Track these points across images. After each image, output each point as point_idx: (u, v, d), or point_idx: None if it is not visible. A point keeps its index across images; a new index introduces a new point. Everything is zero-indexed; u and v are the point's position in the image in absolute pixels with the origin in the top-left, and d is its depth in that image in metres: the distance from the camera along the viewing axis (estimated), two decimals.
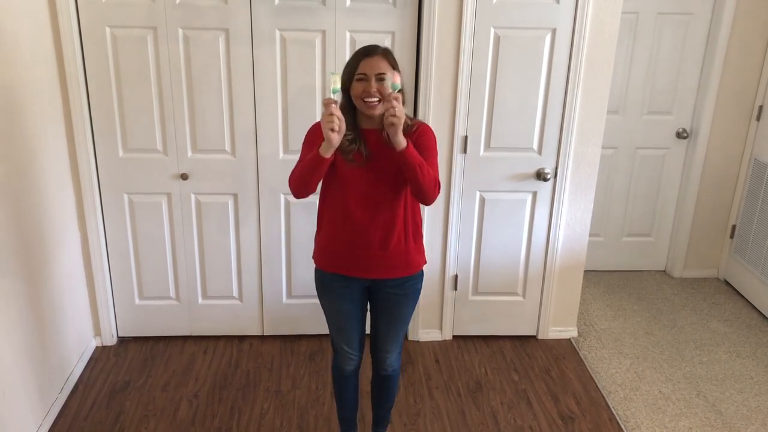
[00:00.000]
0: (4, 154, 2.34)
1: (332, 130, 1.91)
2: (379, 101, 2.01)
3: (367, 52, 2.02)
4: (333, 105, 1.91)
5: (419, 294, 2.29)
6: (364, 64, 2.00)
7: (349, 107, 2.09)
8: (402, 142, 1.96)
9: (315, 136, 2.12)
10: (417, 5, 2.82)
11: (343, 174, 2.09)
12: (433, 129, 2.19)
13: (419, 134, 2.11)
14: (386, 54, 2.04)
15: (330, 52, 2.85)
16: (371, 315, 2.33)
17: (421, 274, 2.27)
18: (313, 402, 2.86)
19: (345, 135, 2.07)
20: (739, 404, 2.91)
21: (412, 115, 2.91)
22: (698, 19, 3.62)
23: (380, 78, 2.00)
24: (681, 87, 3.76)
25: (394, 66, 2.05)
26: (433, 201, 2.11)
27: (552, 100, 2.96)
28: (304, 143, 2.15)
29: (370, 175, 2.08)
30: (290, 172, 2.12)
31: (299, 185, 2.07)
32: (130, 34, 2.78)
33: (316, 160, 1.99)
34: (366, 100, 2.00)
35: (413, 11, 2.83)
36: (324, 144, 1.95)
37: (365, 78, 2.00)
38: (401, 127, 1.93)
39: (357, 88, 2.02)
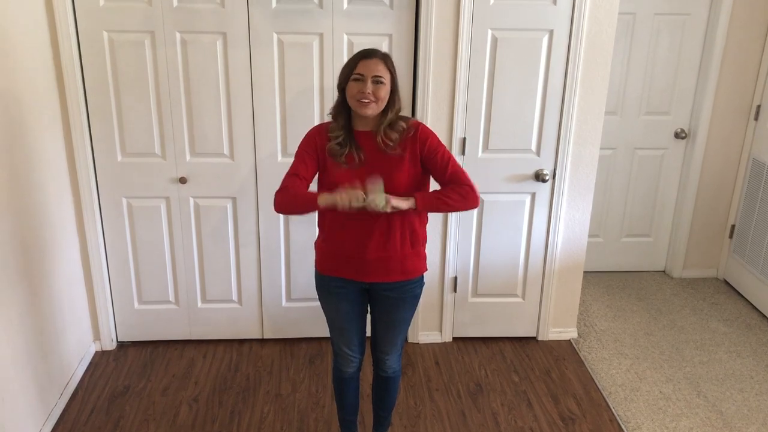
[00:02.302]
0: (3, 160, 2.34)
1: (345, 203, 1.91)
2: (373, 102, 2.02)
3: (366, 55, 2.05)
4: (360, 196, 1.91)
5: (418, 299, 2.29)
6: (362, 65, 2.03)
7: (343, 108, 2.11)
8: (410, 205, 2.01)
9: (309, 144, 2.13)
10: (414, 7, 2.82)
11: (337, 177, 2.08)
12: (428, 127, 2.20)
13: (421, 140, 2.11)
14: (385, 58, 2.06)
15: (327, 55, 2.85)
16: (371, 317, 2.33)
17: (421, 279, 2.27)
18: (313, 405, 2.85)
19: (335, 137, 2.08)
20: (740, 404, 2.91)
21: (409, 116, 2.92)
22: (695, 20, 3.63)
23: (376, 80, 2.02)
24: (679, 87, 3.76)
25: (392, 70, 2.07)
26: (479, 202, 2.11)
27: (550, 101, 2.96)
28: (298, 150, 2.15)
29: (364, 177, 2.07)
30: (281, 184, 2.09)
31: (284, 209, 2.08)
32: (127, 38, 2.78)
33: (310, 203, 2.00)
34: (361, 100, 2.02)
35: (410, 13, 2.83)
36: (328, 199, 1.94)
37: (361, 78, 2.02)
38: (400, 202, 1.98)
39: (352, 88, 2.03)
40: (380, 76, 2.02)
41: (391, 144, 2.08)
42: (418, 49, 2.86)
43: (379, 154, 2.07)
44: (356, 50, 2.82)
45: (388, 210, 1.97)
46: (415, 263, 2.21)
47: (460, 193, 2.06)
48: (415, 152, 2.10)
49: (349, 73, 2.04)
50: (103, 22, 2.75)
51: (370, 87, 2.01)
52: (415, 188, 2.13)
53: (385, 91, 2.04)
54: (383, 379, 2.41)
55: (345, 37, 2.83)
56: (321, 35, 2.82)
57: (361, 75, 2.02)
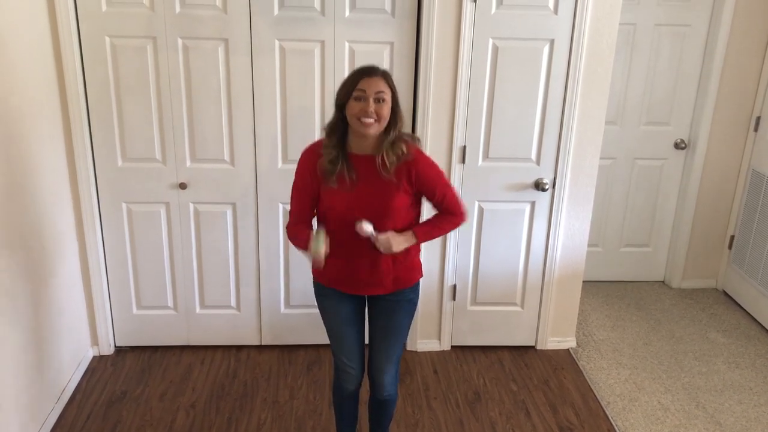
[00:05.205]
0: (3, 163, 2.34)
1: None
2: (376, 121, 1.99)
3: (368, 72, 2.01)
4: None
5: (415, 306, 2.28)
6: (363, 83, 1.98)
7: (340, 125, 2.06)
8: (411, 242, 2.14)
9: (304, 174, 2.13)
10: (416, 16, 2.83)
11: (330, 197, 2.08)
12: (426, 143, 2.21)
13: (416, 171, 2.09)
14: (386, 75, 2.03)
15: (329, 63, 2.85)
16: (369, 326, 2.32)
17: (417, 286, 2.27)
18: (310, 412, 2.84)
19: (327, 154, 2.06)
20: (739, 415, 2.90)
21: (409, 129, 2.93)
22: (695, 31, 3.64)
23: (378, 98, 1.98)
24: (679, 98, 3.77)
25: (393, 88, 2.04)
26: (466, 220, 2.25)
27: (550, 110, 2.97)
28: (294, 186, 2.19)
29: (358, 200, 2.06)
30: (289, 219, 2.22)
31: (293, 243, 2.22)
32: (129, 43, 2.78)
33: (301, 246, 2.13)
34: (363, 120, 1.98)
35: (412, 22, 2.84)
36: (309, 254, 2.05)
37: (364, 96, 1.97)
38: (403, 244, 2.10)
39: (354, 107, 1.99)
40: (382, 92, 1.98)
41: (388, 166, 2.04)
42: (419, 58, 2.86)
43: (373, 179, 2.05)
44: (357, 58, 2.84)
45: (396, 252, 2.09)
46: (408, 274, 2.21)
47: (452, 222, 2.19)
48: (411, 181, 2.09)
49: (349, 91, 1.99)
50: (105, 28, 2.75)
51: (372, 105, 1.97)
52: (407, 212, 2.13)
53: (387, 110, 2.00)
54: (380, 402, 2.40)
55: (346, 44, 2.84)
56: (322, 43, 2.83)
57: (363, 91, 1.97)
